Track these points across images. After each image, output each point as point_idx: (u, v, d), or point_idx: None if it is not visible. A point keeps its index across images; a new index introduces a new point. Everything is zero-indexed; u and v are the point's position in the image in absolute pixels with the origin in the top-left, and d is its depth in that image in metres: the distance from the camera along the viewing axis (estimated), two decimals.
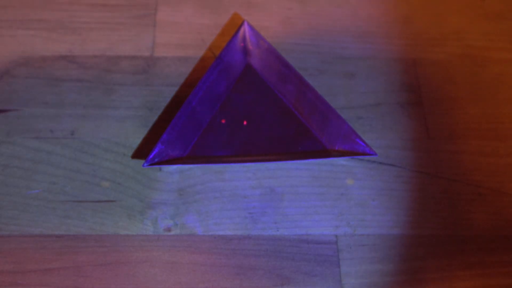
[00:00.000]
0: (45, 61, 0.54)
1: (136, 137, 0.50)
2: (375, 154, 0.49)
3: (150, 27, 0.56)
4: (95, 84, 0.53)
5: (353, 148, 0.49)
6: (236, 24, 0.56)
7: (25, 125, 0.51)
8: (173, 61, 0.54)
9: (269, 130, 0.49)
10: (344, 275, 0.45)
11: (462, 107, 0.53)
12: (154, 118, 0.51)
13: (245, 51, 0.52)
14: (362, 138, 0.50)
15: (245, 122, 0.50)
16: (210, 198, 0.48)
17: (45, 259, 0.45)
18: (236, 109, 0.50)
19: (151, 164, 0.47)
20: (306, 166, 0.50)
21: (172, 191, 0.48)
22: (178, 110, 0.51)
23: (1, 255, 0.45)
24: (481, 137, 0.51)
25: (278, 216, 0.48)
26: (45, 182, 0.48)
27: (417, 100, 0.53)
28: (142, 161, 0.49)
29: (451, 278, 0.45)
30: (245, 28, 0.52)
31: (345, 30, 0.56)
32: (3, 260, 0.45)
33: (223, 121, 0.50)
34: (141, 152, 0.50)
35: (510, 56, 0.56)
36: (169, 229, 0.47)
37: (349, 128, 0.49)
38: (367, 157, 0.50)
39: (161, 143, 0.48)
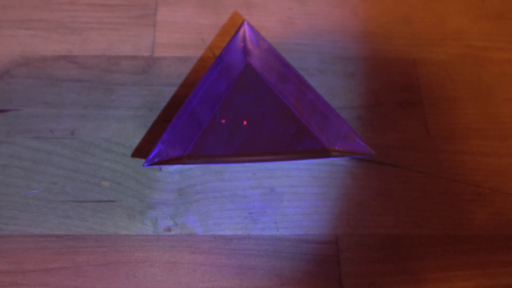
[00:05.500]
0: (45, 61, 0.54)
1: (136, 137, 0.50)
2: (375, 154, 0.49)
3: (150, 27, 0.56)
4: (95, 84, 0.53)
5: (353, 148, 0.49)
6: (236, 24, 0.56)
7: (25, 125, 0.51)
8: (173, 61, 0.54)
9: (269, 130, 0.49)
10: (344, 275, 0.45)
11: (462, 107, 0.53)
12: (154, 118, 0.51)
13: (245, 51, 0.52)
14: (362, 138, 0.50)
15: (245, 122, 0.49)
16: (210, 198, 0.48)
17: (45, 259, 0.45)
18: (236, 109, 0.50)
19: (151, 164, 0.47)
20: (306, 166, 0.50)
21: (172, 191, 0.48)
22: (178, 110, 0.51)
23: (1, 255, 0.45)
24: (481, 137, 0.51)
25: (278, 216, 0.48)
26: (45, 182, 0.48)
27: (417, 100, 0.53)
28: (142, 161, 0.49)
29: (451, 278, 0.45)
30: (245, 28, 0.52)
31: (345, 30, 0.56)
32: (3, 260, 0.45)
33: (223, 121, 0.49)
34: (141, 152, 0.50)
35: (510, 56, 0.56)
36: (169, 229, 0.47)
37: (349, 128, 0.49)
38: (367, 157, 0.50)
39: (161, 143, 0.48)
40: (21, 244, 0.46)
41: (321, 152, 0.49)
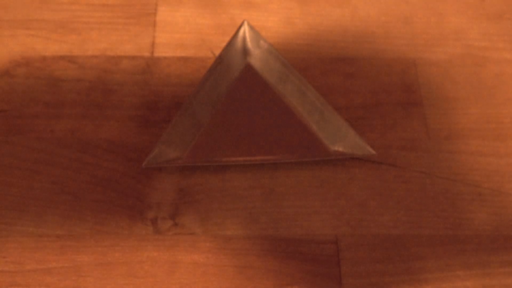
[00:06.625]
0: (45, 61, 0.54)
1: (136, 137, 0.50)
2: (375, 154, 0.49)
3: (150, 27, 0.56)
4: (95, 84, 0.53)
5: (353, 148, 0.49)
6: (236, 24, 0.56)
7: (25, 125, 0.51)
8: (173, 61, 0.54)
9: (269, 130, 0.49)
10: (344, 275, 0.45)
11: (462, 107, 0.53)
12: (154, 118, 0.51)
13: (245, 51, 0.52)
14: (362, 138, 0.50)
15: (245, 122, 0.50)
16: (210, 198, 0.48)
17: (45, 259, 0.45)
18: (236, 109, 0.50)
19: (151, 164, 0.48)
20: (306, 166, 0.50)
21: (172, 191, 0.48)
22: (178, 110, 0.51)
23: (1, 255, 0.45)
24: (481, 137, 0.52)
25: (278, 216, 0.48)
26: (45, 182, 0.48)
27: (417, 100, 0.53)
28: (142, 161, 0.49)
29: (451, 278, 0.45)
30: (245, 28, 0.52)
31: (345, 30, 0.56)
32: (3, 260, 0.45)
33: (223, 121, 0.50)
34: (141, 152, 0.50)
35: (510, 56, 0.56)
36: (169, 229, 0.47)
37: (349, 128, 0.49)
38: (367, 157, 0.50)
39: (161, 143, 0.48)
40: (21, 244, 0.46)
41: (321, 152, 0.49)
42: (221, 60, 0.51)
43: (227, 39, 0.55)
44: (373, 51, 0.55)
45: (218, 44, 0.55)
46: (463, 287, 0.45)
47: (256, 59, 0.52)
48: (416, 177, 0.49)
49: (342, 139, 0.49)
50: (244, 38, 0.52)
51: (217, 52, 0.55)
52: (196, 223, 0.47)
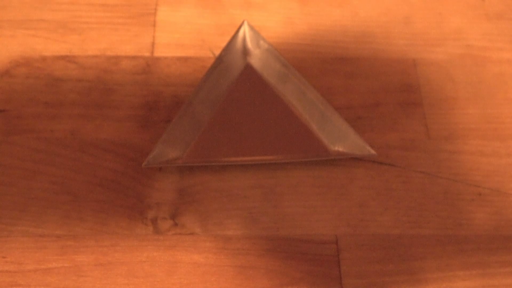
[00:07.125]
0: (45, 61, 0.54)
1: (136, 137, 0.50)
2: (375, 154, 0.49)
3: (150, 27, 0.56)
4: (95, 84, 0.53)
5: (353, 148, 0.49)
6: (236, 24, 0.56)
7: (25, 125, 0.51)
8: (173, 61, 0.54)
9: (269, 130, 0.49)
10: (344, 275, 0.45)
11: (462, 107, 0.53)
12: (154, 118, 0.51)
13: (245, 51, 0.52)
14: (362, 138, 0.50)
15: (245, 122, 0.50)
16: (210, 198, 0.48)
17: (45, 259, 0.45)
18: (236, 109, 0.50)
19: (151, 164, 0.47)
20: (306, 166, 0.50)
21: (172, 191, 0.48)
22: (178, 110, 0.51)
23: (1, 255, 0.45)
24: (481, 137, 0.51)
25: (278, 216, 0.48)
26: (45, 182, 0.48)
27: (417, 100, 0.53)
28: (142, 161, 0.49)
29: (451, 278, 0.45)
30: (245, 28, 0.52)
31: (345, 30, 0.56)
32: (3, 260, 0.45)
33: (223, 121, 0.49)
34: (141, 152, 0.50)
35: (510, 56, 0.56)
36: (169, 229, 0.47)
37: (349, 128, 0.49)
38: (367, 157, 0.50)
39: (161, 143, 0.48)
40: (21, 244, 0.46)
41: (321, 152, 0.49)
42: (221, 60, 0.51)
43: (227, 39, 0.55)
44: (373, 51, 0.55)
45: (218, 44, 0.55)
46: (463, 287, 0.45)
47: (256, 59, 0.52)
48: (416, 177, 0.49)
49: (342, 139, 0.49)
50: (244, 38, 0.52)
51: (217, 52, 0.54)
52: (196, 223, 0.47)
